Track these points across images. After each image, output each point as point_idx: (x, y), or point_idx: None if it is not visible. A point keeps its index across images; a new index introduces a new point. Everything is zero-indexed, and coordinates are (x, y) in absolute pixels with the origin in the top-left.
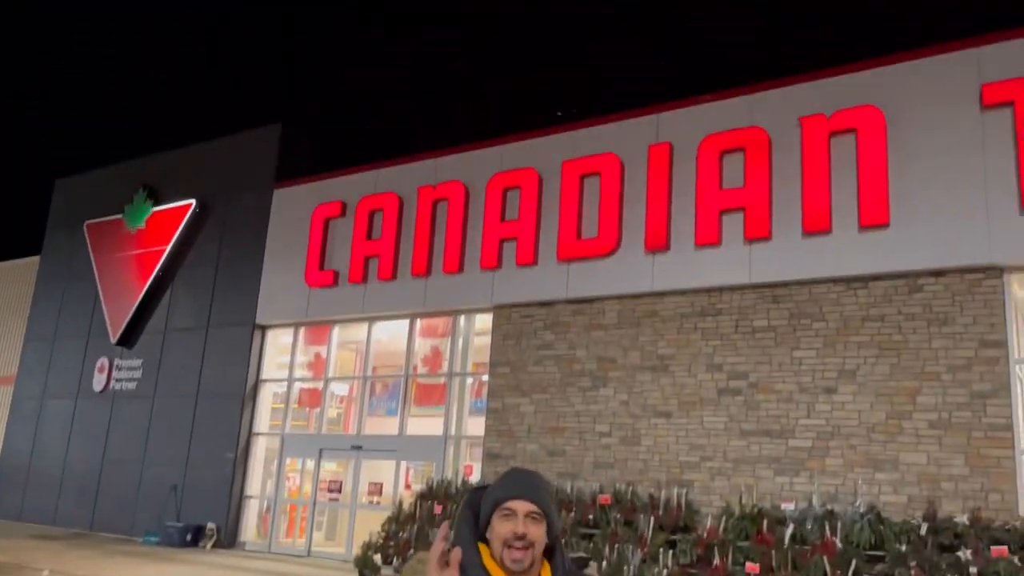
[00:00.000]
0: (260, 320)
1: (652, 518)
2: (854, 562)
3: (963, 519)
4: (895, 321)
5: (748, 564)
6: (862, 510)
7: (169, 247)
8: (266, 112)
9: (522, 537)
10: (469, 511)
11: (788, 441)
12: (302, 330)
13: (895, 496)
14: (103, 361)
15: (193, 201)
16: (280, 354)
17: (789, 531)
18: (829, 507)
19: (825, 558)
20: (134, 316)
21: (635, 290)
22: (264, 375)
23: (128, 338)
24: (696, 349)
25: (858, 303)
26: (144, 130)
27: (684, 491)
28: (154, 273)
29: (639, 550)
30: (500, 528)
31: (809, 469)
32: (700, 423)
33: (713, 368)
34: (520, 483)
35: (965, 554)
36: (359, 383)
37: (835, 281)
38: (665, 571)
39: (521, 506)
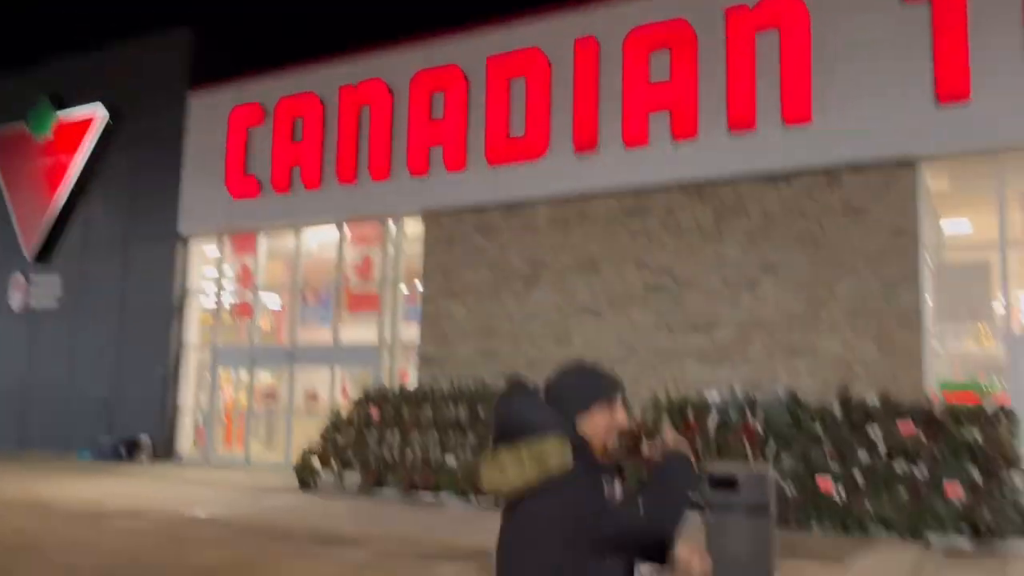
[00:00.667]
0: (183, 231)
1: None
2: (773, 444)
3: (874, 400)
4: (815, 215)
5: None
6: (781, 396)
7: (80, 156)
8: (177, 11)
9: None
10: (540, 396)
11: (713, 334)
12: (227, 240)
13: (812, 381)
14: (18, 278)
15: (101, 107)
16: (206, 266)
17: (714, 419)
18: (751, 394)
19: (747, 441)
20: (48, 230)
21: (565, 192)
22: (191, 287)
23: (45, 254)
24: (624, 249)
25: (780, 199)
26: (45, 33)
27: None
28: (66, 184)
29: None
30: (618, 417)
31: (732, 360)
32: (629, 320)
33: (641, 267)
34: (619, 383)
35: (874, 432)
36: (290, 293)
37: (759, 178)
38: None
39: (621, 401)
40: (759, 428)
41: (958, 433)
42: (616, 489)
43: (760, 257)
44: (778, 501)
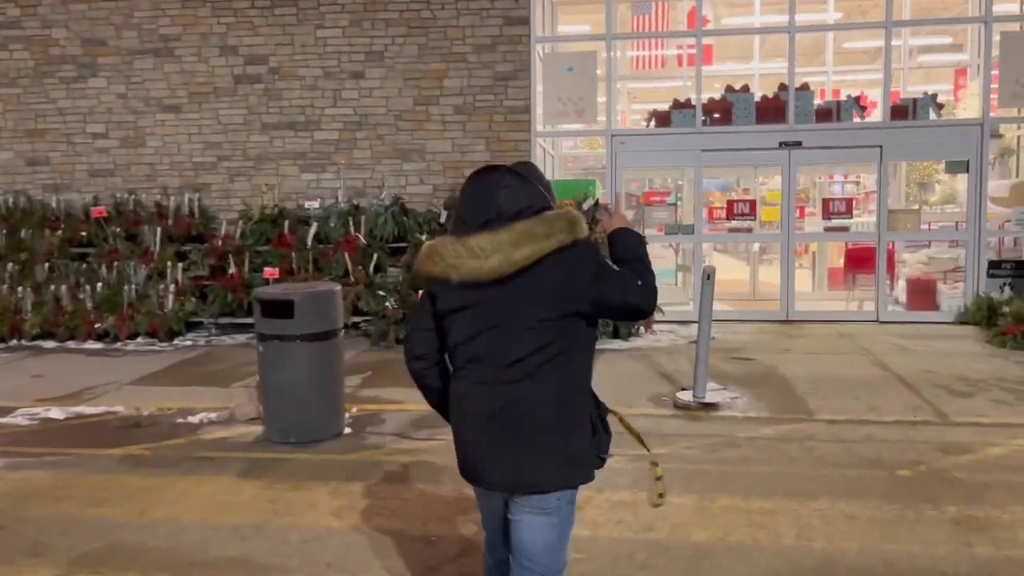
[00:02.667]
0: None
1: (159, 229)
2: (376, 256)
3: None
4: None
5: (267, 269)
6: (388, 203)
7: None
8: None
9: None
10: None
11: (314, 134)
12: None
13: (421, 187)
14: None
15: None
16: None
17: (312, 231)
18: (355, 202)
19: (347, 255)
20: None
21: None
22: None
23: None
24: (206, 28)
25: None
26: None
27: (198, 196)
28: None
29: (144, 266)
30: None
31: (336, 164)
32: (215, 117)
33: (228, 51)
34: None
35: None
36: None
37: None
38: (173, 286)
39: None
40: (363, 240)
41: None
42: None
43: (365, 43)
44: (378, 317)
